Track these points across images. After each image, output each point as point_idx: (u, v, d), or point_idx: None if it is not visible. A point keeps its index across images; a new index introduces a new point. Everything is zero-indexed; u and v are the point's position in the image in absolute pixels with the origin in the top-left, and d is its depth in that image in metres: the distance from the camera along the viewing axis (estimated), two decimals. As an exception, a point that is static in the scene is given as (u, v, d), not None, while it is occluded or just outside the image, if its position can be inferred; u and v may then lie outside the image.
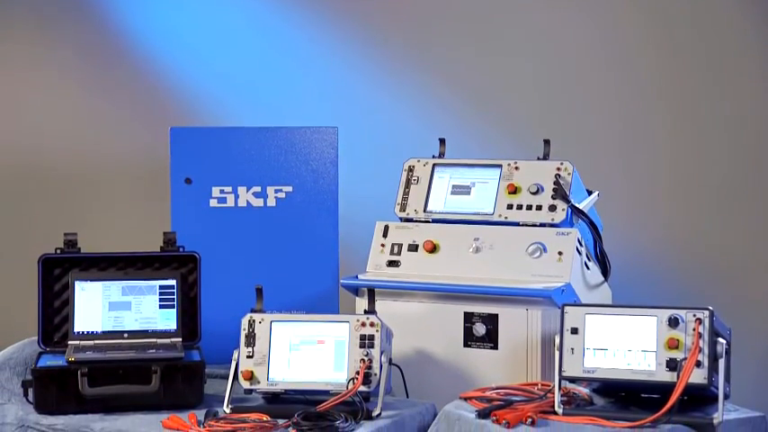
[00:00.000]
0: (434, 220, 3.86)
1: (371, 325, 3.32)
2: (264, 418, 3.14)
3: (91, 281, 3.58)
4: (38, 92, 5.13)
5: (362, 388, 3.24)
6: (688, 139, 4.70)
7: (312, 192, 4.14)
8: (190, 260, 3.66)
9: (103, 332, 3.55)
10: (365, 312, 3.40)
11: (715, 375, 3.04)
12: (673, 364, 3.06)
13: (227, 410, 3.28)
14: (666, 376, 3.07)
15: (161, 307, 3.59)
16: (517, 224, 3.76)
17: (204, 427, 3.11)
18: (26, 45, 5.14)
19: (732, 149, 4.65)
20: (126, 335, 3.55)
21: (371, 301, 3.43)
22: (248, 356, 3.34)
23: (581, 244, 3.69)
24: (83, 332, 3.53)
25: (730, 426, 3.09)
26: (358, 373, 3.25)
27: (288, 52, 5.07)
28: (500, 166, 3.86)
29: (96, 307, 3.56)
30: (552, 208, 3.73)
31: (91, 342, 3.50)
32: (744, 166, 4.64)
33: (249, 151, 4.13)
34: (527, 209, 3.76)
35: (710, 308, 3.08)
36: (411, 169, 3.96)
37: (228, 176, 4.11)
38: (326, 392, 3.27)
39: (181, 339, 3.55)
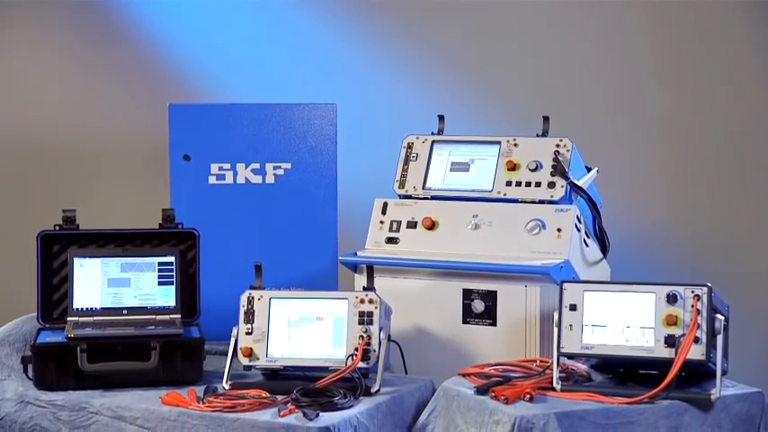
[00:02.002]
0: (433, 197, 3.86)
1: (370, 302, 3.33)
2: (264, 395, 3.15)
3: (90, 257, 3.58)
4: (37, 69, 5.12)
5: (361, 364, 3.25)
6: (687, 116, 4.70)
7: (311, 169, 4.14)
8: (189, 237, 3.67)
9: (102, 308, 3.55)
10: (364, 289, 3.41)
11: (713, 351, 3.06)
12: (671, 341, 3.07)
13: (227, 387, 3.28)
14: (665, 352, 3.08)
15: (160, 284, 3.59)
16: (516, 201, 3.76)
17: (204, 403, 3.12)
18: (26, 24, 5.11)
19: (731, 126, 4.66)
20: (125, 311, 3.55)
21: (370, 277, 3.45)
22: (247, 333, 3.35)
23: (580, 221, 3.70)
24: (82, 309, 3.54)
25: (728, 401, 3.11)
26: (357, 349, 3.25)
27: (286, 29, 5.06)
28: (499, 142, 3.86)
29: (95, 283, 3.57)
30: (551, 185, 3.73)
31: (90, 318, 3.50)
32: (742, 143, 4.65)
33: (248, 128, 4.13)
34: (526, 186, 3.77)
35: (709, 284, 3.10)
36: (410, 146, 3.96)
37: (227, 153, 4.11)
38: (325, 369, 3.28)
39: (180, 316, 3.55)
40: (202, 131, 4.11)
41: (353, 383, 3.19)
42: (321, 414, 3.00)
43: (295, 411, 3.03)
